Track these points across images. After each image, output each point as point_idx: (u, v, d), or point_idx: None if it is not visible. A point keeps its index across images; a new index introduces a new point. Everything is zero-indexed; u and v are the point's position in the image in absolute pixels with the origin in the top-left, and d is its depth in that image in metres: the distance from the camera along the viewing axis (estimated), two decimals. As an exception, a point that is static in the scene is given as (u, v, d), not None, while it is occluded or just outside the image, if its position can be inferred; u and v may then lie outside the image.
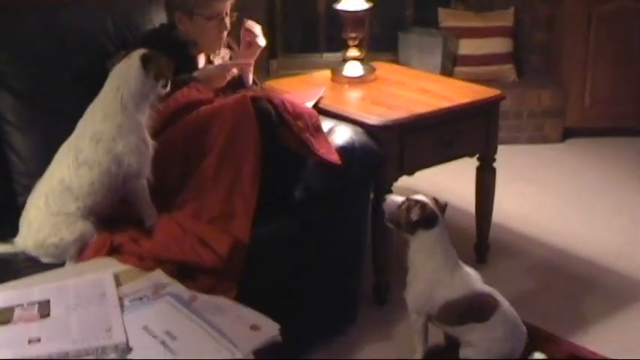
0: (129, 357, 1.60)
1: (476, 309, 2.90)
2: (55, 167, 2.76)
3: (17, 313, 1.82)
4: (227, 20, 3.27)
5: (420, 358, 3.01)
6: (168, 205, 2.84)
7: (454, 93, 3.62)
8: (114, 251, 2.56)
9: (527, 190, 4.77)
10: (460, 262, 2.97)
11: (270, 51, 5.72)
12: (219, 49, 3.39)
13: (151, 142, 2.77)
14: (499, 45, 5.58)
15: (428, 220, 2.87)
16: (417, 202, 2.88)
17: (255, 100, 2.88)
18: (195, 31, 3.23)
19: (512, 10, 5.63)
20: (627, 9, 5.27)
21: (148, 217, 2.79)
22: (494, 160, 3.69)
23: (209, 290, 2.31)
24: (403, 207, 2.89)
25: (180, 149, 2.89)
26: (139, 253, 2.54)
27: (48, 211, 2.67)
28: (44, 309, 1.82)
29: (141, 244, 2.63)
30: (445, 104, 3.46)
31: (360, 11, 3.77)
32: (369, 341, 3.23)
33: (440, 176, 4.15)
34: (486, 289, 2.96)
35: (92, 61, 3.19)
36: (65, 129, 2.87)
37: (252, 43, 3.40)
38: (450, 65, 5.51)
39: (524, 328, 2.96)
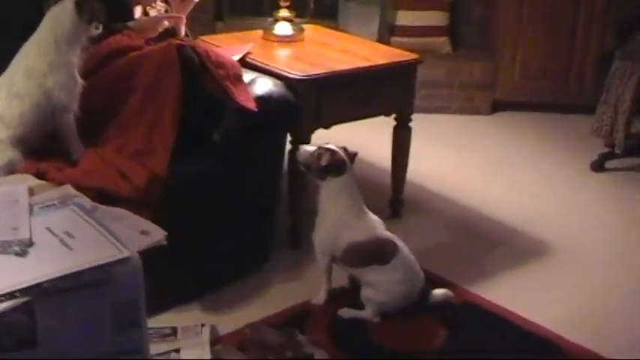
0: (30, 250, 1.83)
1: (377, 252, 3.14)
2: None
3: None
4: (164, -27, 3.48)
5: (323, 296, 3.26)
6: (94, 141, 3.05)
7: (374, 55, 3.84)
8: (39, 177, 2.75)
9: (450, 155, 5.01)
10: (366, 209, 3.21)
11: (217, 13, 5.92)
12: (155, 2, 3.58)
13: (80, 80, 2.99)
14: (436, 18, 5.81)
15: (337, 166, 3.11)
16: (328, 149, 3.12)
17: (180, 47, 3.08)
18: (133, -17, 3.43)
19: (450, -16, 5.86)
20: (558, -11, 5.52)
21: (74, 150, 3.01)
22: (409, 120, 3.90)
23: (125, 218, 2.53)
24: (315, 154, 3.13)
25: (109, 90, 3.10)
26: (62, 180, 2.74)
27: None
28: (-37, 213, 2.05)
29: (64, 173, 2.85)
30: (363, 64, 3.68)
31: (290, -26, 3.98)
32: (279, 281, 3.44)
33: (362, 134, 4.38)
34: (388, 235, 3.21)
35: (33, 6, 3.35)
36: (12, 47, 3.08)
37: (185, -3, 3.60)
38: (387, 35, 5.73)
39: (422, 273, 3.22)
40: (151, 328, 2.93)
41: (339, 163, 3.11)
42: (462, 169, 4.82)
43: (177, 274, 3.14)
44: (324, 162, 3.09)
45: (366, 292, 3.16)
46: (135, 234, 1.92)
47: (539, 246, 3.90)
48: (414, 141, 4.05)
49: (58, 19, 2.96)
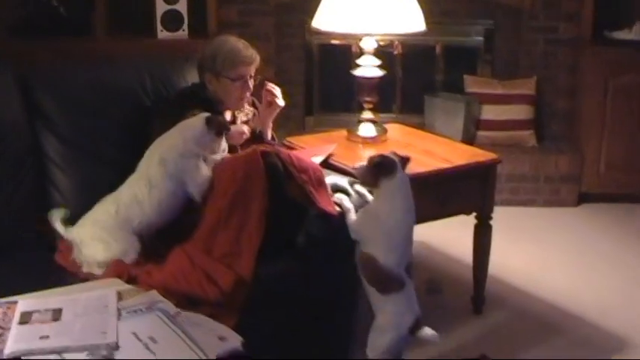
0: (116, 354, 2.00)
1: (381, 281, 3.20)
2: (126, 188, 3.24)
3: (35, 316, 2.25)
4: (250, 82, 3.67)
5: None
6: (183, 240, 3.22)
7: (453, 155, 3.96)
8: (130, 281, 2.94)
9: (536, 249, 5.04)
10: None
11: (307, 108, 6.16)
12: (243, 107, 3.79)
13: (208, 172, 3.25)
14: (521, 111, 5.91)
15: (386, 166, 3.16)
16: (377, 154, 3.22)
17: (265, 154, 3.25)
18: (222, 91, 3.63)
19: (534, 78, 5.97)
20: (642, 81, 5.60)
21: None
22: (490, 218, 3.99)
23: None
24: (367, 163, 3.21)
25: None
26: (151, 284, 2.90)
27: (116, 219, 3.15)
28: (57, 315, 2.24)
29: (153, 277, 3.02)
30: (443, 165, 3.81)
31: (374, 78, 4.16)
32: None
33: (445, 229, 4.48)
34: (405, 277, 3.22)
35: (129, 113, 3.65)
36: (101, 170, 3.47)
37: (272, 103, 3.79)
38: (473, 129, 5.84)
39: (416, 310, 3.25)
40: None
41: (388, 163, 3.16)
42: (546, 263, 4.84)
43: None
44: (372, 163, 3.17)
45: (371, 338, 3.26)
46: (213, 339, 2.07)
47: (618, 344, 3.91)
48: (499, 235, 4.14)
49: (189, 126, 3.28)
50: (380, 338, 3.23)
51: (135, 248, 3.15)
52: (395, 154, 3.22)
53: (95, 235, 3.12)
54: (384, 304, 3.22)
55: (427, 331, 3.25)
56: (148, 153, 3.29)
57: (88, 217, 3.22)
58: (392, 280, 3.20)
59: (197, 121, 3.28)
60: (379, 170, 3.17)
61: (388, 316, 3.21)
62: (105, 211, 3.20)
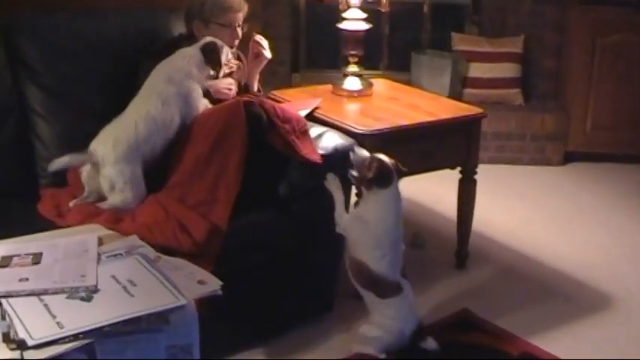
0: (95, 296, 2.00)
1: (378, 287, 3.21)
2: (138, 105, 3.25)
3: (15, 260, 2.25)
4: (239, 30, 3.65)
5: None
6: (157, 187, 3.21)
7: (439, 109, 3.95)
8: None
9: (519, 206, 5.06)
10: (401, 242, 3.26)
11: (294, 66, 6.13)
12: (229, 61, 3.73)
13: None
14: (508, 70, 5.90)
15: (385, 176, 3.14)
16: (378, 159, 3.16)
17: (247, 104, 3.24)
18: (210, 38, 3.60)
19: (522, 37, 5.96)
20: (629, 41, 5.59)
21: None
22: (474, 172, 3.98)
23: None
24: (367, 162, 3.17)
25: (181, 140, 3.27)
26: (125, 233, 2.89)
27: (136, 138, 3.16)
28: (37, 259, 2.24)
29: (126, 228, 2.91)
30: (427, 119, 3.79)
31: (360, 31, 4.13)
32: (342, 330, 3.50)
33: (430, 185, 4.48)
34: (402, 281, 3.25)
35: (113, 64, 3.62)
36: (85, 122, 3.41)
37: (259, 55, 3.76)
38: (459, 87, 5.84)
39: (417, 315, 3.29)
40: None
41: (385, 176, 3.14)
42: (531, 220, 4.85)
43: (242, 319, 3.27)
44: (371, 173, 3.12)
45: (362, 329, 3.27)
46: (192, 283, 2.07)
47: (602, 300, 3.92)
48: (484, 192, 4.15)
49: (186, 50, 3.37)
50: (371, 332, 3.24)
51: (141, 197, 3.16)
52: (393, 163, 3.17)
53: (117, 160, 3.11)
54: (384, 307, 3.22)
55: (430, 344, 3.25)
56: (153, 74, 3.31)
57: (108, 136, 3.19)
58: (387, 285, 3.20)
59: (195, 48, 3.36)
60: (377, 178, 3.13)
61: (386, 320, 3.21)
62: (123, 130, 3.18)
